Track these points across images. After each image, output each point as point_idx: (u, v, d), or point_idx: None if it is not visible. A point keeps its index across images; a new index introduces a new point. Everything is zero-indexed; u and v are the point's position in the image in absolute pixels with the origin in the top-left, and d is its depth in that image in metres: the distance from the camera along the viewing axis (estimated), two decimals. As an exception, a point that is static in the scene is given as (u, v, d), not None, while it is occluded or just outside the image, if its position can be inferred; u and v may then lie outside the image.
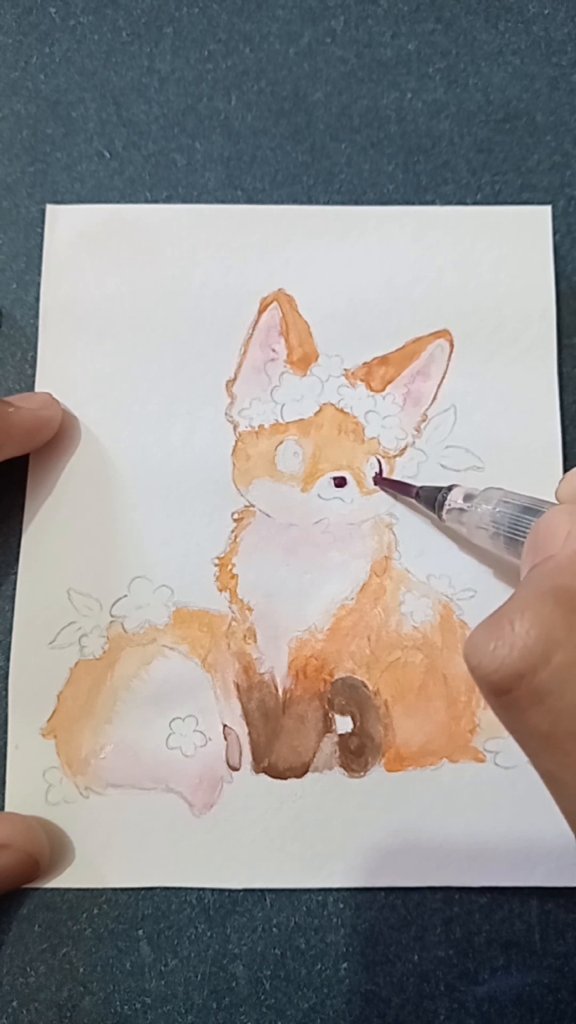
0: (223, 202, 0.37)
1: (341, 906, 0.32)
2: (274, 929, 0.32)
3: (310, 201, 0.37)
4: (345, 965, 0.32)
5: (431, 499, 0.33)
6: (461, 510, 0.32)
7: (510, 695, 0.19)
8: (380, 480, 0.35)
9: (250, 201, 0.37)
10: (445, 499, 0.32)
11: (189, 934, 0.32)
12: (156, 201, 0.37)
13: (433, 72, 0.38)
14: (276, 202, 0.37)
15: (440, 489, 0.33)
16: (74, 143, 0.37)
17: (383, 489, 0.35)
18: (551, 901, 0.32)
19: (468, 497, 0.32)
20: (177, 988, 0.32)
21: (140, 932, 0.32)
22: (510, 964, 0.32)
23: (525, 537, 0.27)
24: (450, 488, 0.33)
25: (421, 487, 0.34)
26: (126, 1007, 0.32)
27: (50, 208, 0.36)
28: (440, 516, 0.33)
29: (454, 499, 0.32)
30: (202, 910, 0.32)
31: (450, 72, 0.38)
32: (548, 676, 0.18)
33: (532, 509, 0.29)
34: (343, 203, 0.37)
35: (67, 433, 0.35)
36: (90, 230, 0.36)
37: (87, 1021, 0.32)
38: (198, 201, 0.37)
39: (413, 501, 0.34)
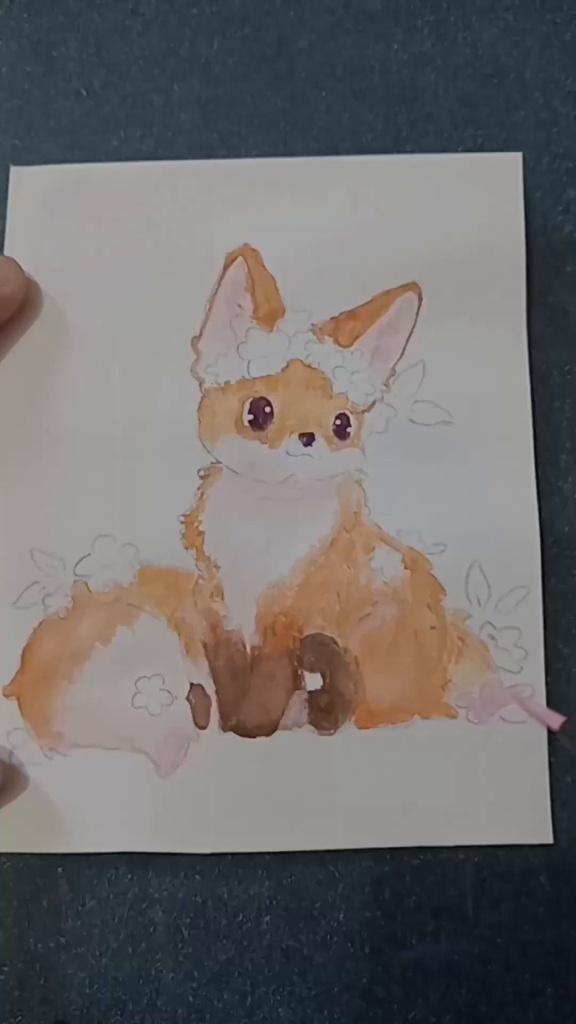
0: (196, 144, 0.36)
1: (267, 858, 0.31)
2: (197, 876, 0.31)
3: (286, 147, 0.36)
4: (267, 918, 0.31)
5: None
6: None
7: None
8: None
9: (224, 144, 0.36)
10: None
11: (109, 875, 0.32)
12: (129, 141, 0.37)
13: (422, 25, 0.38)
14: (250, 146, 0.36)
15: None
16: (52, 81, 0.37)
17: None
18: (486, 868, 0.31)
19: None
20: (93, 929, 0.31)
21: (60, 870, 0.32)
22: (439, 930, 0.31)
23: None
24: None
25: None
26: (39, 945, 0.31)
27: (14, 170, 0.36)
28: None
29: None
30: (124, 851, 0.32)
31: (439, 25, 0.38)
32: None
33: None
34: (319, 151, 0.36)
35: (31, 391, 0.35)
36: (54, 190, 0.36)
37: None
38: (171, 142, 0.37)
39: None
